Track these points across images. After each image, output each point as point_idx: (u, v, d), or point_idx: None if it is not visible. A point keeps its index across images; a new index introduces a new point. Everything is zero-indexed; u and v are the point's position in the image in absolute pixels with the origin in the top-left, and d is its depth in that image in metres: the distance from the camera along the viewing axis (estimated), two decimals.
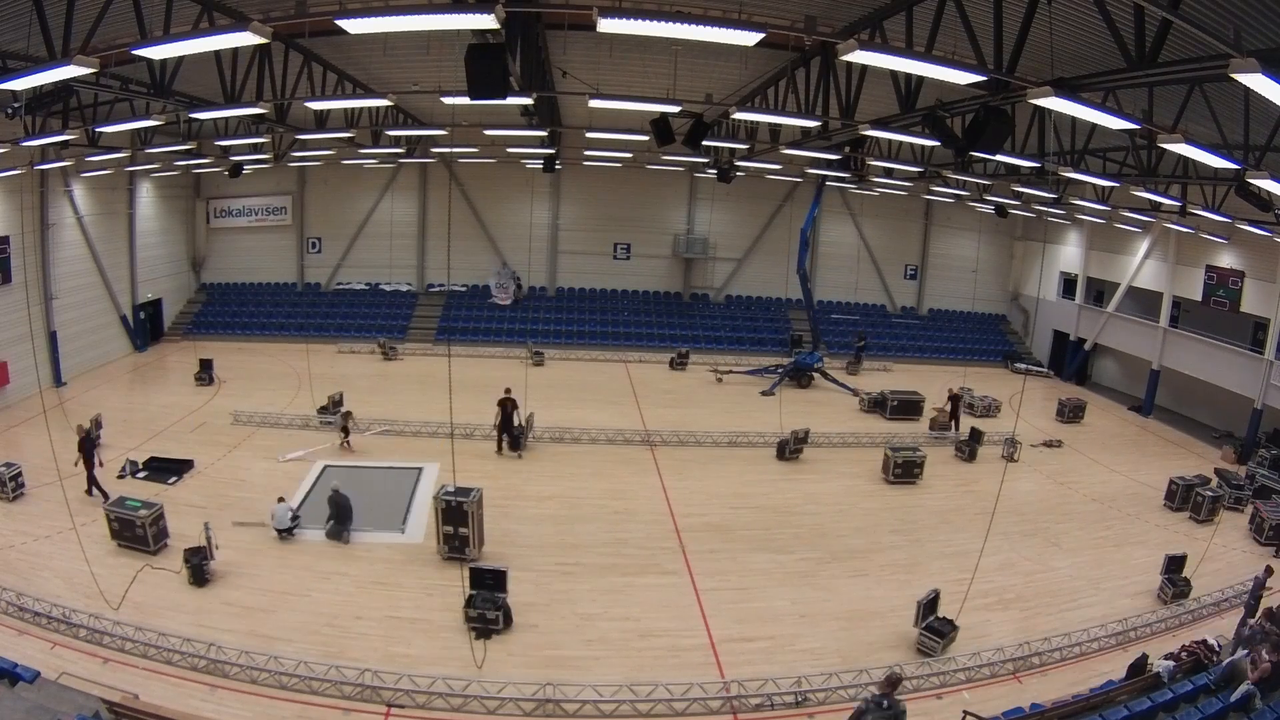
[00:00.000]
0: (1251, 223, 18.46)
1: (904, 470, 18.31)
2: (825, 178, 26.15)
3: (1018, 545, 15.16)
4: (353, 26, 7.08)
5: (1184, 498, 17.46)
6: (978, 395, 24.77)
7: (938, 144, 12.31)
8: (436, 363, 27.11)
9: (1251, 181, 12.43)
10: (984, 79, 8.28)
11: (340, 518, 13.81)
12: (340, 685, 9.70)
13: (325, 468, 17.01)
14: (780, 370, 26.94)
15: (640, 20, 7.13)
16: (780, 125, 17.44)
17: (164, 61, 11.82)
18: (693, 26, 7.22)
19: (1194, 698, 9.14)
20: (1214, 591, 13.30)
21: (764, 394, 25.25)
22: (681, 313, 33.15)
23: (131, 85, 13.34)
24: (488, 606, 10.52)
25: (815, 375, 27.15)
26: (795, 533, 15.18)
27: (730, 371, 27.43)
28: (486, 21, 6.98)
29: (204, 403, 21.65)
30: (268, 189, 31.75)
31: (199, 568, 11.78)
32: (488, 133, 21.39)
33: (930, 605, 11.55)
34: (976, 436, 20.66)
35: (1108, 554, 15.17)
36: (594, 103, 12.28)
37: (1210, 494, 17.29)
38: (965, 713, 9.32)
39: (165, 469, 16.22)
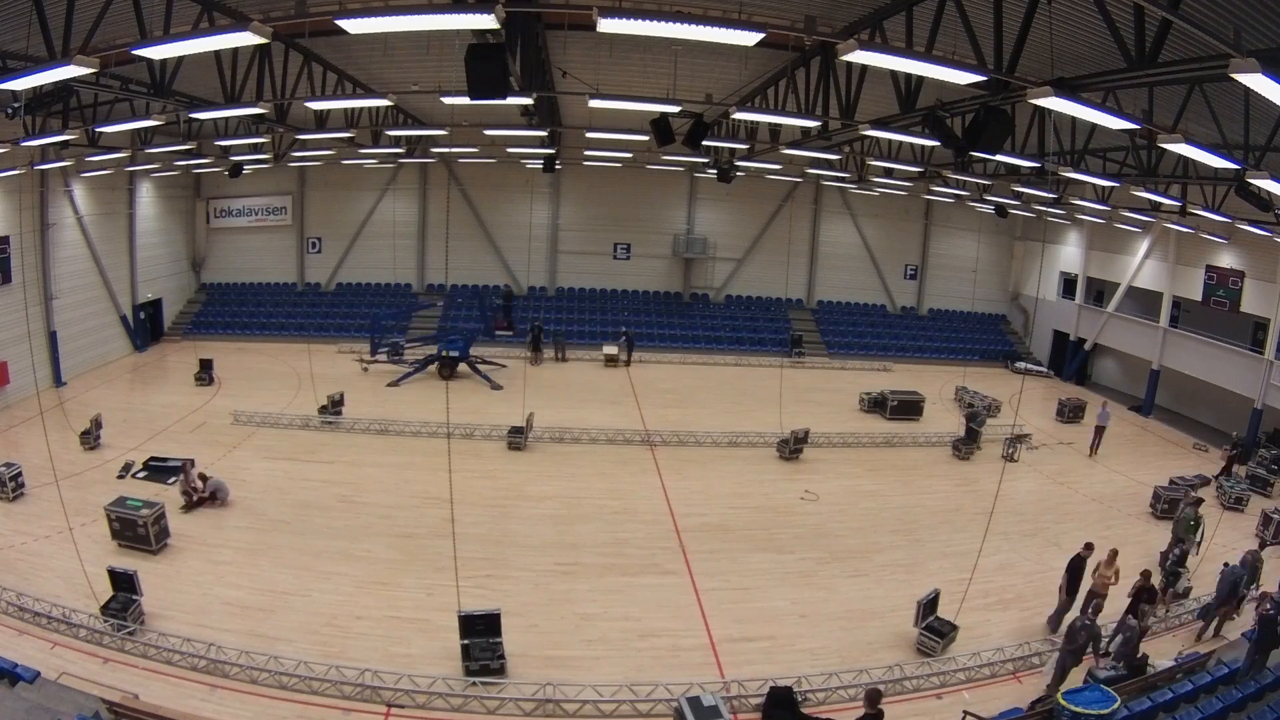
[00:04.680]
0: (1251, 223, 18.46)
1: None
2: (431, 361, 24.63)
3: (1018, 545, 15.16)
4: (353, 26, 7.08)
5: (1175, 508, 16.93)
6: (978, 395, 24.80)
7: (938, 144, 12.31)
8: None
9: (1251, 181, 12.43)
10: (984, 79, 8.27)
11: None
12: (340, 685, 9.70)
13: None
14: (416, 363, 25.33)
15: (640, 20, 7.13)
16: (780, 125, 17.44)
17: (164, 61, 11.82)
18: (693, 26, 7.22)
19: (1194, 697, 9.14)
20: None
21: (390, 385, 24.03)
22: (681, 313, 33.16)
23: (131, 85, 13.35)
24: (488, 657, 10.13)
25: (462, 365, 25.35)
26: (795, 533, 15.18)
27: (375, 361, 25.86)
28: (486, 21, 6.98)
29: (204, 403, 21.66)
30: (268, 189, 31.76)
31: None
32: (488, 133, 21.40)
33: (930, 605, 11.55)
34: (973, 436, 20.67)
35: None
36: (594, 103, 12.27)
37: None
38: (965, 713, 9.32)
39: (164, 469, 16.20)
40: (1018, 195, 25.13)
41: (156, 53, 8.42)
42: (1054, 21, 8.32)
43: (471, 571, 12.60)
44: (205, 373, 23.54)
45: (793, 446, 19.38)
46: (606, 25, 7.18)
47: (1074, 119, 13.96)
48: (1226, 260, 24.04)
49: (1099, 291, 30.64)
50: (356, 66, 15.55)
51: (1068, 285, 32.24)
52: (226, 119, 18.43)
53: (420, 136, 24.31)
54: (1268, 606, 10.16)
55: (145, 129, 18.78)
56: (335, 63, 14.95)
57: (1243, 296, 23.35)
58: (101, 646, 10.25)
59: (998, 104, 9.30)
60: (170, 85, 12.57)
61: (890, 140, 17.87)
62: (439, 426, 19.44)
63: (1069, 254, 32.03)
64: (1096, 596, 11.77)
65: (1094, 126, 14.02)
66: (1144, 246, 27.54)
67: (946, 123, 11.06)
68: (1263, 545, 14.12)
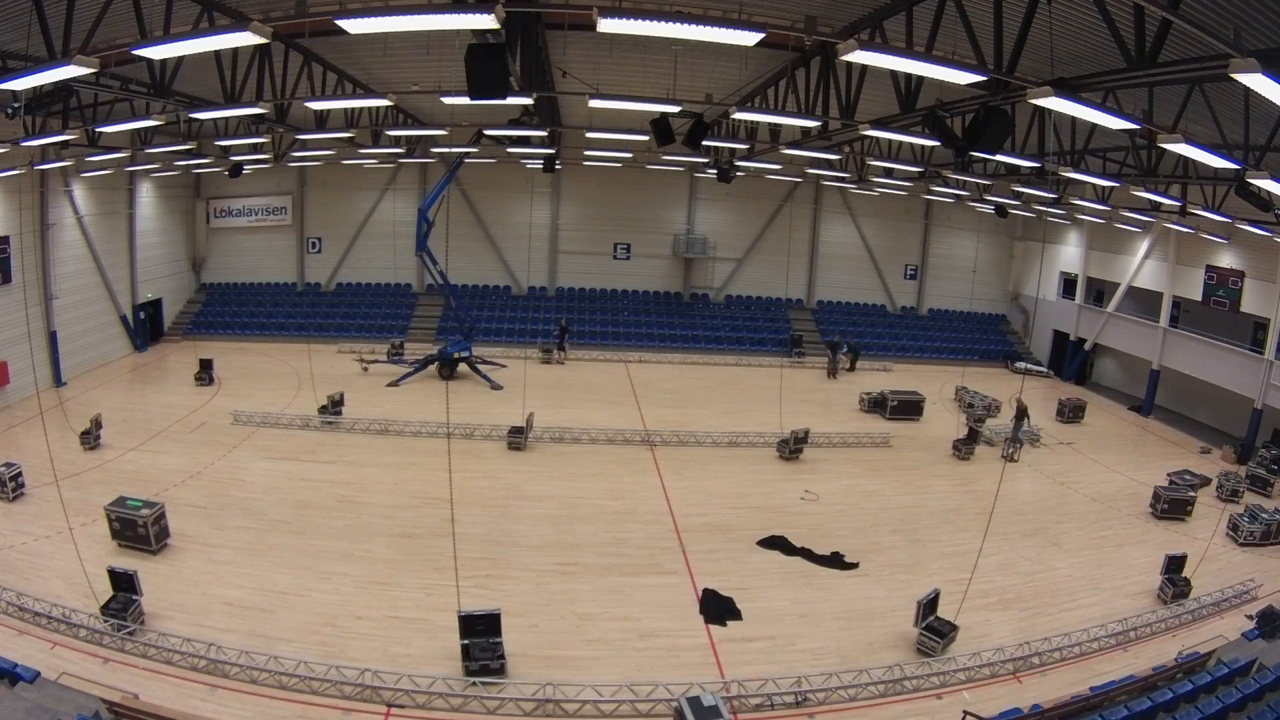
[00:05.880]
0: (1251, 223, 18.46)
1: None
2: (464, 156, 24.28)
3: (1018, 545, 15.16)
4: (353, 26, 7.07)
5: (1175, 508, 17.09)
6: (978, 395, 24.79)
7: (938, 144, 12.31)
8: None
9: (1251, 181, 12.42)
10: (984, 79, 8.27)
11: None
12: (340, 685, 9.71)
13: None
14: (416, 363, 25.29)
15: (640, 20, 7.13)
16: (780, 125, 17.44)
17: (164, 61, 11.83)
18: (693, 26, 7.22)
19: (1194, 697, 9.14)
20: (1214, 591, 13.30)
21: (390, 385, 24.03)
22: (681, 313, 33.15)
23: (131, 85, 13.35)
24: (488, 657, 10.14)
25: (461, 365, 25.27)
26: (795, 533, 15.16)
27: (376, 361, 26.10)
28: (486, 21, 6.98)
29: (204, 403, 21.66)
30: (268, 189, 31.75)
31: None
32: (488, 133, 21.38)
33: (930, 605, 11.55)
34: (973, 436, 20.68)
35: (1108, 554, 15.17)
36: (594, 103, 12.26)
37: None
38: (965, 713, 9.32)
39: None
40: (1018, 195, 25.13)
41: (156, 53, 8.42)
42: (1054, 21, 8.32)
43: (471, 571, 12.61)
44: (205, 373, 23.53)
45: (793, 446, 19.38)
46: (606, 25, 7.18)
47: (1074, 119, 13.96)
48: (1226, 260, 24.04)
49: (1099, 291, 30.64)
50: (356, 66, 15.55)
51: (1068, 285, 32.25)
52: (226, 119, 18.43)
53: (420, 136, 24.30)
54: None
55: (145, 129, 18.81)
56: (335, 63, 14.95)
57: (1243, 296, 23.35)
58: (101, 646, 10.24)
59: (998, 104, 9.29)
60: (170, 85, 12.57)
61: (890, 140, 17.86)
62: (439, 426, 19.43)
63: (1069, 254, 32.03)
64: None
65: (1094, 126, 14.02)
66: (1144, 246, 27.54)
67: (946, 123, 11.06)
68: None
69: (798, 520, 15.85)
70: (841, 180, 28.13)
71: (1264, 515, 15.96)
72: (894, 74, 11.02)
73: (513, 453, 18.84)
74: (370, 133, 22.39)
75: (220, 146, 22.14)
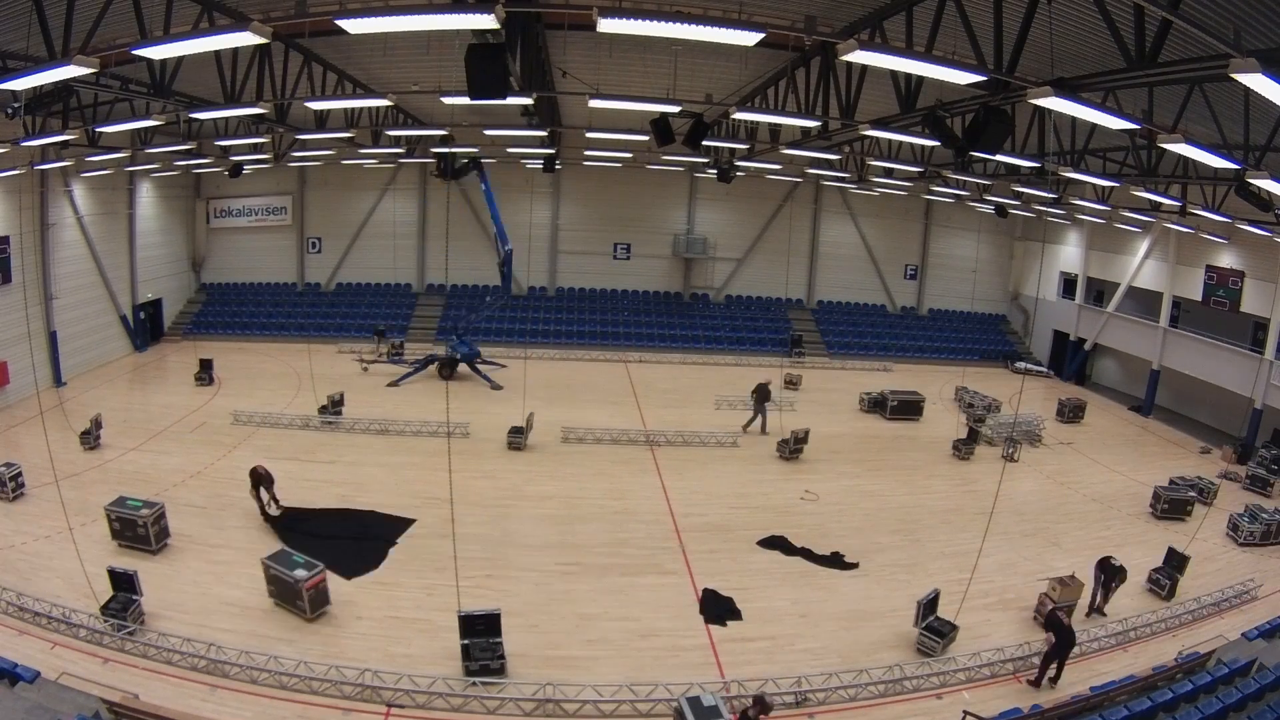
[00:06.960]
0: (1251, 223, 18.46)
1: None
2: (480, 160, 24.50)
3: (1018, 545, 15.16)
4: (353, 26, 7.08)
5: (1175, 508, 17.09)
6: (978, 395, 24.80)
7: (938, 144, 12.31)
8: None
9: (1251, 181, 12.43)
10: (984, 79, 8.28)
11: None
12: (340, 685, 9.70)
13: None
14: (416, 363, 25.45)
15: (640, 20, 7.13)
16: (780, 125, 17.44)
17: (164, 61, 11.83)
18: (693, 26, 7.22)
19: (1194, 697, 9.14)
20: (1214, 591, 13.31)
21: (390, 385, 24.11)
22: (681, 313, 33.17)
23: (131, 85, 13.36)
24: (488, 657, 10.14)
25: (461, 365, 25.28)
26: (795, 533, 15.16)
27: (376, 360, 26.32)
28: (486, 21, 6.98)
29: (204, 403, 21.66)
30: (268, 189, 31.77)
31: None
32: (488, 133, 21.39)
33: (930, 605, 11.56)
34: (973, 436, 20.69)
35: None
36: (594, 103, 12.27)
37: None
38: (965, 713, 9.32)
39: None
40: (1018, 195, 25.14)
41: (156, 53, 8.42)
42: (1054, 21, 8.32)
43: (471, 571, 12.60)
44: (205, 373, 23.54)
45: (793, 446, 19.38)
46: (606, 25, 7.19)
47: (1074, 119, 13.96)
48: (1226, 260, 24.05)
49: (1099, 291, 30.65)
50: (356, 66, 15.55)
51: (1068, 285, 32.26)
52: (226, 119, 18.43)
53: (420, 136, 24.30)
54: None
55: (145, 129, 18.80)
56: (335, 63, 14.95)
57: (1243, 296, 23.36)
58: (101, 646, 10.24)
59: (998, 104, 9.30)
60: (170, 85, 12.56)
61: (890, 140, 17.86)
62: (439, 426, 19.43)
63: (1069, 254, 32.04)
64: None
65: (1094, 126, 14.02)
66: (1144, 246, 27.55)
67: (946, 123, 11.06)
68: None
69: (798, 520, 15.85)
70: (841, 180, 28.14)
71: (1264, 515, 15.96)
72: (894, 74, 11.02)
73: (513, 453, 18.84)
74: (370, 133, 22.38)
75: (220, 146, 22.16)
